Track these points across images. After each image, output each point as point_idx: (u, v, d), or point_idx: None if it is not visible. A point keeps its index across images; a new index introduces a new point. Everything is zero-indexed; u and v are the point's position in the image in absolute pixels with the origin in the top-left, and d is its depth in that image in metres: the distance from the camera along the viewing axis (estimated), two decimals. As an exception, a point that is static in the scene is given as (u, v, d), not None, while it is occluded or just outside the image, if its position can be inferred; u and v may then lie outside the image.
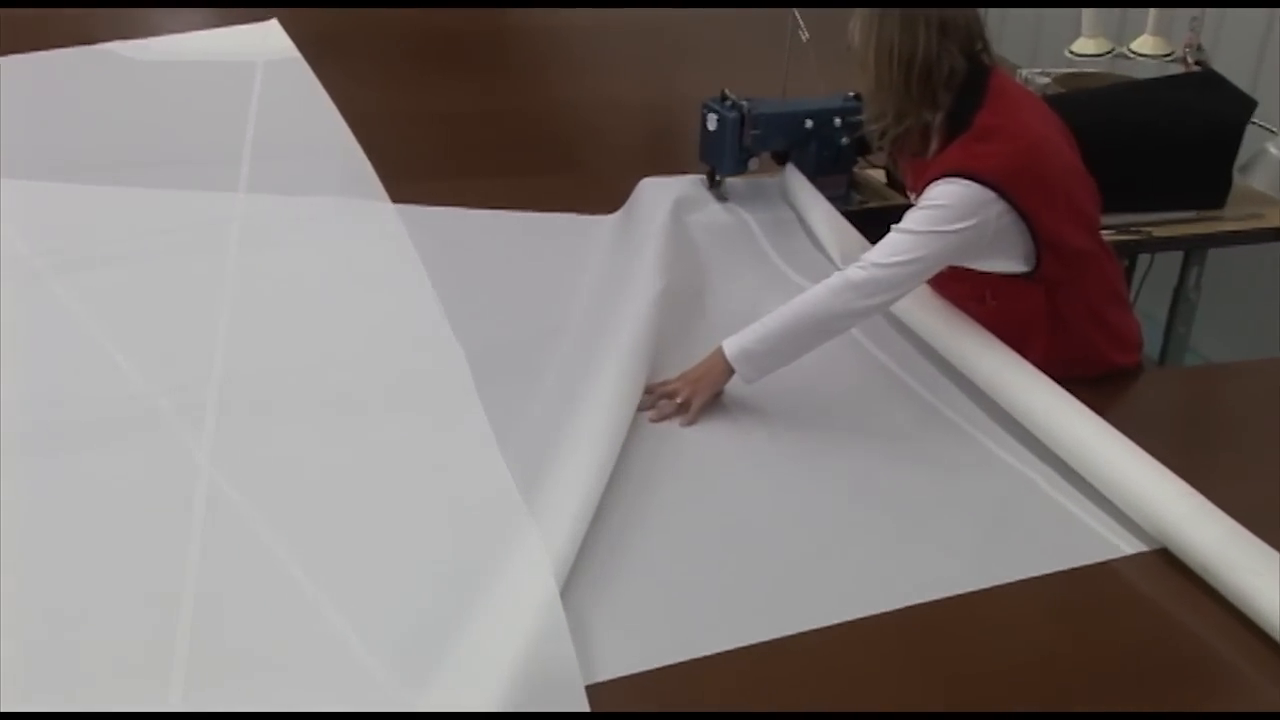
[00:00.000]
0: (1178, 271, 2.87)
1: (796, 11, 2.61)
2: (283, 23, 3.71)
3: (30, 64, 3.33)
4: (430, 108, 3.28)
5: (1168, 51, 3.05)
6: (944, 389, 2.00)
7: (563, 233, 2.54)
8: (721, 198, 2.60)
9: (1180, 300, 2.89)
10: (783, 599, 1.53)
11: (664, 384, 1.94)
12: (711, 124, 2.52)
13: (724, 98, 2.51)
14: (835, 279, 1.91)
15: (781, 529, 1.67)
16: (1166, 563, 1.60)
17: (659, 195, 2.53)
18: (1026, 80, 3.01)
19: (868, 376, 2.06)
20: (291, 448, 1.81)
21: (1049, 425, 1.80)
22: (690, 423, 1.89)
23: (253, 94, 3.20)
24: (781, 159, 2.64)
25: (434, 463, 1.79)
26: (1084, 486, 1.74)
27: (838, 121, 2.54)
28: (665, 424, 1.89)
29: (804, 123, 2.53)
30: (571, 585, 1.49)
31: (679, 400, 1.91)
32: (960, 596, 1.54)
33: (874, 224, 2.16)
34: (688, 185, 2.60)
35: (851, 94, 2.52)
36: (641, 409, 1.89)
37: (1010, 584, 1.56)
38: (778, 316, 1.90)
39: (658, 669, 1.40)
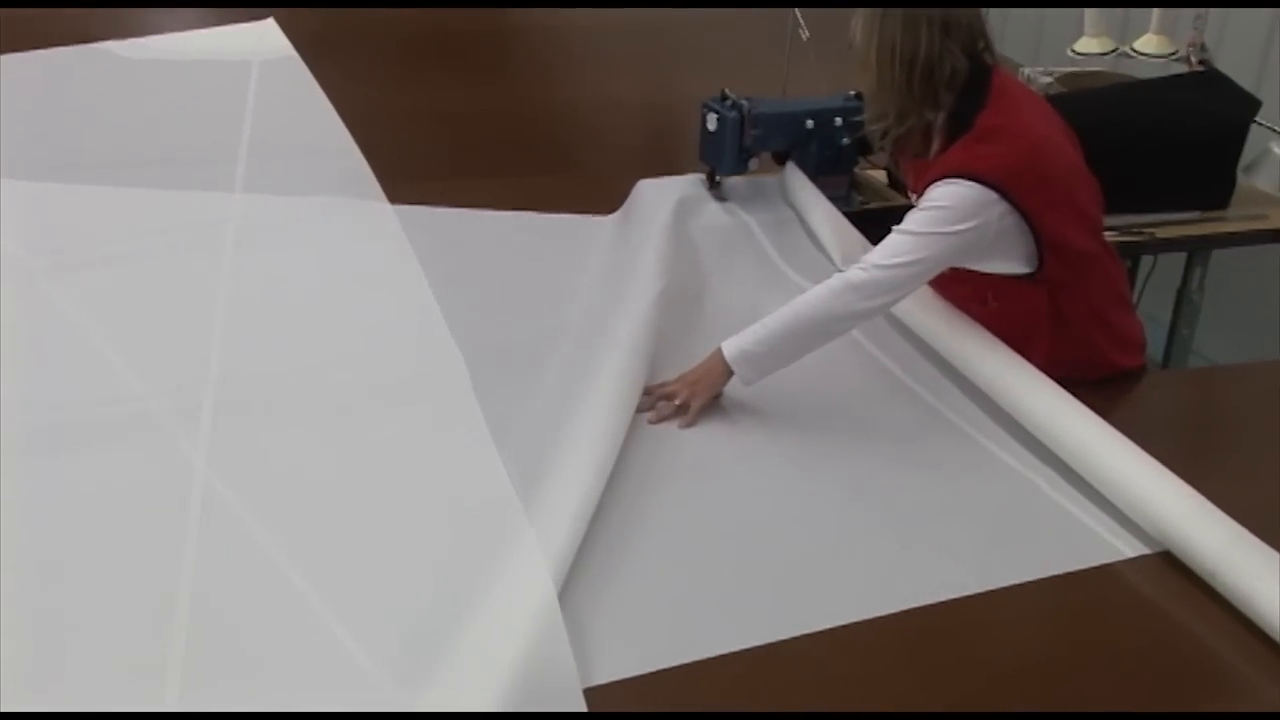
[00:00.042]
0: (1181, 273, 2.85)
1: (797, 10, 2.60)
2: (279, 22, 3.72)
3: (24, 63, 3.32)
4: (428, 107, 3.28)
5: (1171, 51, 3.04)
6: (945, 391, 2.00)
7: (561, 233, 2.53)
8: (721, 198, 2.59)
9: (1183, 302, 2.88)
10: (782, 602, 1.53)
11: (662, 385, 1.94)
12: (711, 124, 2.51)
13: (724, 97, 2.50)
14: (835, 280, 1.90)
15: (781, 531, 1.67)
16: (1169, 565, 1.60)
17: (658, 195, 2.53)
18: (1029, 80, 3.00)
19: (868, 378, 2.05)
20: (287, 449, 1.81)
21: (1051, 428, 1.80)
22: (689, 424, 1.88)
23: (249, 93, 3.20)
24: (782, 159, 2.63)
25: (431, 464, 1.78)
26: (1086, 489, 1.73)
27: (839, 121, 2.53)
28: (664, 426, 1.88)
29: (805, 122, 2.52)
30: (570, 587, 1.48)
31: (678, 402, 1.90)
32: (961, 600, 1.53)
33: (875, 225, 2.15)
34: (687, 185, 2.59)
35: (853, 93, 2.51)
36: (640, 410, 1.88)
37: (1012, 587, 1.56)
38: (777, 318, 1.89)
39: (656, 672, 1.40)
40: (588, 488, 1.63)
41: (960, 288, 2.04)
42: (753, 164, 2.57)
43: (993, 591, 1.54)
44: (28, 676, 1.36)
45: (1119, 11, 3.48)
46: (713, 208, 2.57)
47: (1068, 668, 1.45)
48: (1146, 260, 2.93)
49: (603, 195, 2.62)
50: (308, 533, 1.62)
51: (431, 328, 2.11)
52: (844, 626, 1.48)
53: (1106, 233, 2.10)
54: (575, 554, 1.53)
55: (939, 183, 1.87)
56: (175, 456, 1.75)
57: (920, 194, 1.93)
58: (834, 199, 2.50)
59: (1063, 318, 2.00)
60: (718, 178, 2.59)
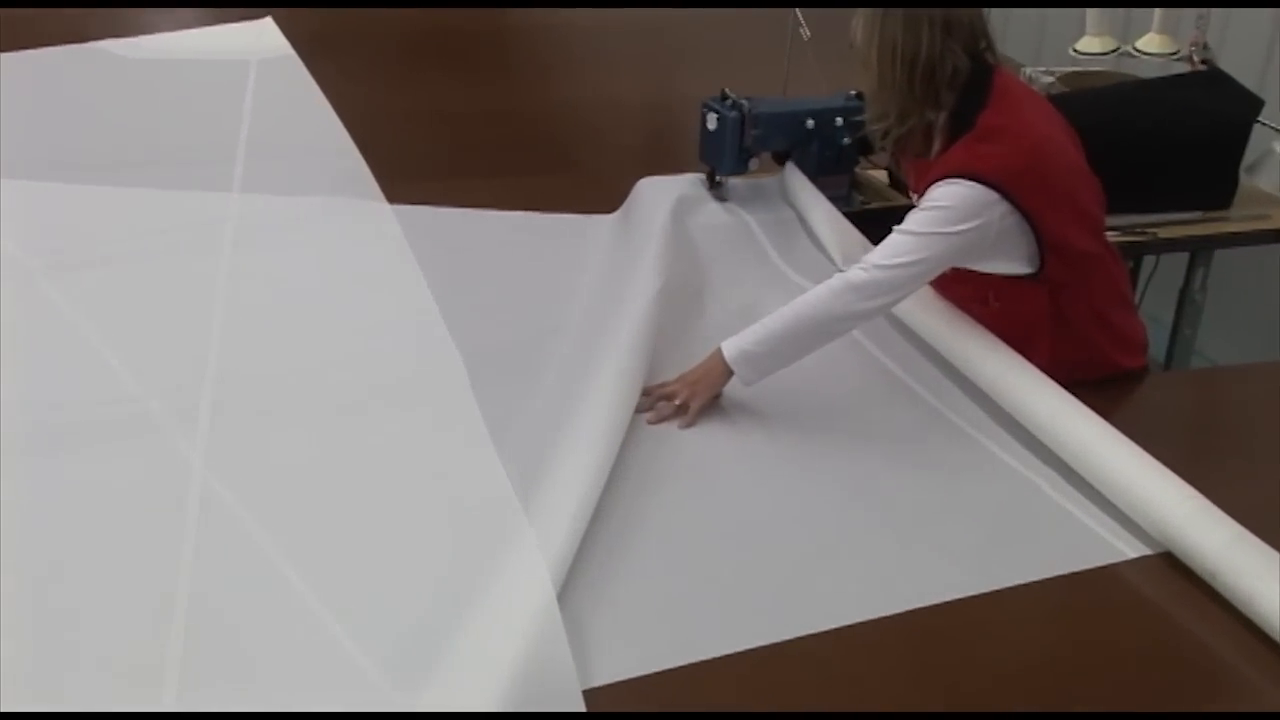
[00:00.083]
0: (1183, 273, 2.85)
1: (798, 10, 2.59)
2: (277, 21, 3.72)
3: (20, 62, 3.32)
4: (427, 107, 3.28)
5: (1173, 50, 3.04)
6: (947, 391, 1.99)
7: (561, 233, 2.53)
8: (721, 198, 2.59)
9: (1186, 302, 2.87)
10: (783, 603, 1.52)
11: (662, 386, 1.93)
12: (711, 123, 2.50)
13: (724, 97, 2.49)
14: (836, 280, 1.90)
15: (781, 532, 1.66)
16: (1170, 566, 1.59)
17: (658, 195, 2.52)
18: (1030, 79, 2.99)
19: (869, 379, 2.04)
20: (285, 449, 1.80)
21: (1053, 429, 1.79)
22: (688, 425, 1.87)
23: (247, 93, 3.19)
24: (782, 159, 2.63)
25: (430, 465, 1.78)
26: (1088, 490, 1.72)
27: (839, 121, 2.53)
28: (664, 426, 1.87)
29: (805, 122, 2.52)
30: (569, 588, 1.48)
31: (677, 402, 1.89)
32: (963, 601, 1.53)
33: (876, 225, 2.14)
34: (686, 185, 2.59)
35: (854, 93, 2.50)
36: (639, 411, 1.87)
37: (1013, 588, 1.55)
38: (777, 318, 1.88)
39: (656, 673, 1.39)
40: (587, 488, 1.62)
41: (961, 288, 2.04)
42: (753, 164, 2.57)
43: (994, 592, 1.54)
44: (27, 676, 1.36)
45: (1121, 11, 3.48)
46: (713, 207, 2.57)
47: (1069, 668, 1.44)
48: (1149, 260, 2.93)
49: (603, 195, 2.61)
50: (306, 533, 1.61)
51: (430, 328, 2.10)
52: (845, 627, 1.47)
53: (1108, 233, 2.10)
54: (575, 554, 1.52)
55: (940, 183, 1.87)
56: (173, 457, 1.75)
57: (921, 194, 1.93)
58: (834, 199, 2.50)
59: (1064, 318, 2.00)
60: (718, 178, 2.58)
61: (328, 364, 2.02)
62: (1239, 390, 2.24)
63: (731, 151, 2.50)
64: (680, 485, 1.74)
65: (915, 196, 2.01)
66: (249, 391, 1.93)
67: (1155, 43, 3.06)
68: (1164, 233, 2.68)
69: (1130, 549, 1.62)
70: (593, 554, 1.55)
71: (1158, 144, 2.59)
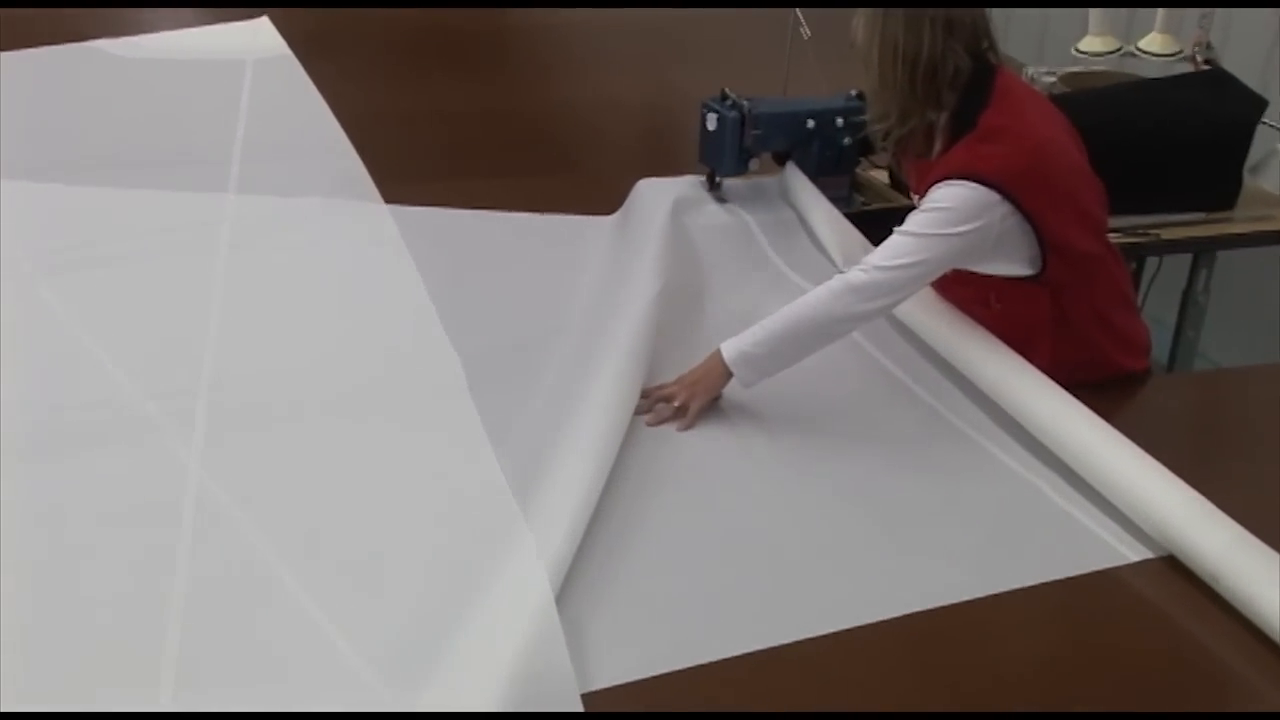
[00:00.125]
0: (1186, 274, 2.85)
1: (798, 10, 2.58)
2: (274, 20, 3.72)
3: (15, 61, 3.32)
4: (426, 107, 3.28)
5: (1176, 50, 3.03)
6: (948, 394, 1.98)
7: (560, 234, 2.52)
8: (721, 199, 2.58)
9: (1189, 304, 2.87)
10: (782, 606, 1.52)
11: (661, 388, 1.92)
12: (711, 124, 2.49)
13: (724, 97, 2.49)
14: (836, 282, 1.89)
15: (781, 534, 1.66)
16: (1173, 570, 1.58)
17: (658, 196, 2.51)
18: (1032, 79, 2.98)
19: (869, 380, 2.04)
20: (282, 451, 1.80)
21: (1055, 431, 1.78)
22: (687, 427, 1.87)
23: (243, 93, 3.19)
24: (782, 159, 2.62)
25: (428, 467, 1.77)
26: (1090, 493, 1.72)
27: (840, 121, 2.52)
28: (663, 428, 1.87)
29: (806, 123, 2.51)
30: (568, 591, 1.47)
31: (676, 404, 1.89)
32: (964, 604, 1.52)
33: (876, 226, 2.13)
34: (686, 186, 2.58)
35: (854, 93, 2.49)
36: (638, 413, 1.87)
37: (1015, 591, 1.54)
38: (777, 319, 1.88)
39: (655, 676, 1.39)
40: (586, 489, 1.62)
41: (963, 289, 2.03)
42: (753, 164, 2.56)
43: (996, 595, 1.53)
44: (25, 677, 1.36)
45: (1123, 11, 3.47)
46: (712, 208, 2.56)
47: (1070, 671, 1.44)
48: (1151, 262, 2.92)
49: (602, 195, 2.61)
50: (303, 534, 1.61)
51: (428, 329, 2.10)
52: (846, 630, 1.46)
53: (1111, 234, 2.09)
54: (573, 556, 1.51)
55: (941, 184, 1.86)
56: (170, 458, 1.75)
57: (922, 195, 1.92)
58: (835, 199, 2.49)
59: (1066, 320, 1.99)
60: (718, 179, 2.57)
61: (324, 365, 2.02)
62: (1242, 392, 2.24)
63: (731, 152, 2.49)
64: (679, 487, 1.73)
65: (916, 197, 2.00)
66: (246, 392, 1.92)
67: (1158, 42, 3.05)
68: (1167, 234, 2.67)
69: (1132, 552, 1.61)
70: (591, 556, 1.55)
71: (1160, 144, 2.58)
